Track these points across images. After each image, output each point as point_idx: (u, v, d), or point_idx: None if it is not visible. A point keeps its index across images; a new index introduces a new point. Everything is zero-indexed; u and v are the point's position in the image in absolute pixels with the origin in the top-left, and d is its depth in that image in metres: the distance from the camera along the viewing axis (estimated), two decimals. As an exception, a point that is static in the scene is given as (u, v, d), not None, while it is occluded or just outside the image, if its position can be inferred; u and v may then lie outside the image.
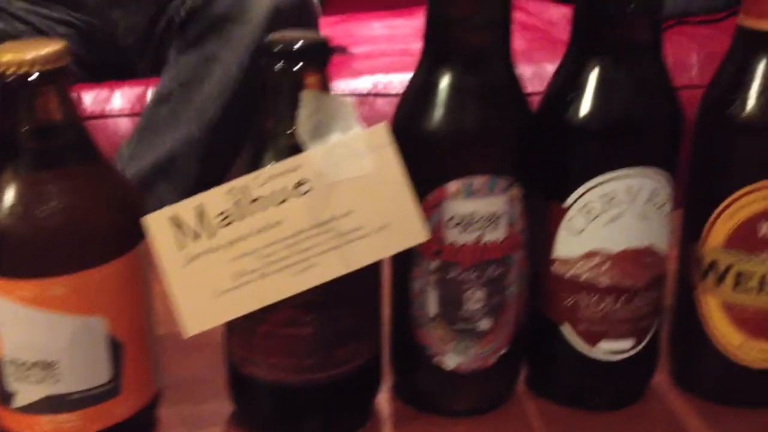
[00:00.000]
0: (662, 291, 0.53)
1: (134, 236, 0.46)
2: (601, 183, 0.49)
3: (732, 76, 0.50)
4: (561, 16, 1.53)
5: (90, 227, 0.45)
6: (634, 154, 0.48)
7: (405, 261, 0.51)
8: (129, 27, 1.23)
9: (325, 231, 0.45)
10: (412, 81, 0.49)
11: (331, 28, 1.45)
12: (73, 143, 0.46)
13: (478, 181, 0.48)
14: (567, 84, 0.50)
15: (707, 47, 1.34)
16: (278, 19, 1.04)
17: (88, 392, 0.47)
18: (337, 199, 0.45)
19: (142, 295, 0.48)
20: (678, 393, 0.56)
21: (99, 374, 0.47)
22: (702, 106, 0.51)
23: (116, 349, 0.47)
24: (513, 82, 0.49)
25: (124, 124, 1.18)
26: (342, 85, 1.19)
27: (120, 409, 0.49)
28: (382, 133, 0.46)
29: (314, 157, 0.45)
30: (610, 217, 0.49)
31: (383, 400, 0.56)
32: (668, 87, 0.50)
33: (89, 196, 0.46)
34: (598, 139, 0.48)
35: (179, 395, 0.57)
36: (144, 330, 0.49)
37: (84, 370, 0.47)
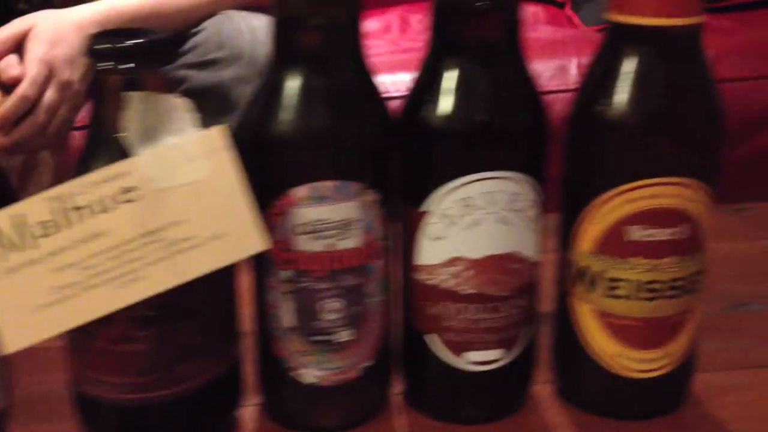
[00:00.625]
0: (533, 298, 0.51)
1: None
2: (457, 187, 0.46)
3: (600, 74, 0.47)
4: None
5: None
6: (491, 158, 0.46)
7: (259, 270, 0.49)
8: None
9: (154, 241, 0.42)
10: (260, 83, 0.47)
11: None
12: None
13: (326, 186, 0.45)
14: (423, 86, 0.47)
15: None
16: None
17: None
18: (167, 206, 0.43)
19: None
20: (561, 405, 0.54)
21: None
22: (572, 105, 0.49)
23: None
24: (365, 84, 0.47)
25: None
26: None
27: (-50, 431, 0.46)
28: (217, 136, 0.43)
29: (142, 162, 0.42)
30: (469, 223, 0.47)
31: (249, 417, 0.53)
32: (530, 89, 0.47)
33: None
34: (452, 142, 0.46)
35: (31, 413, 0.54)
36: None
37: None
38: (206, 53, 1.01)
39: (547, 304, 0.53)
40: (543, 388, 0.55)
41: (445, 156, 0.46)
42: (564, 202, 0.50)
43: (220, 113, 0.96)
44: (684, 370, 0.52)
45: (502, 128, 0.46)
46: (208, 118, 0.45)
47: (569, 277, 0.51)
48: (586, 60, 1.22)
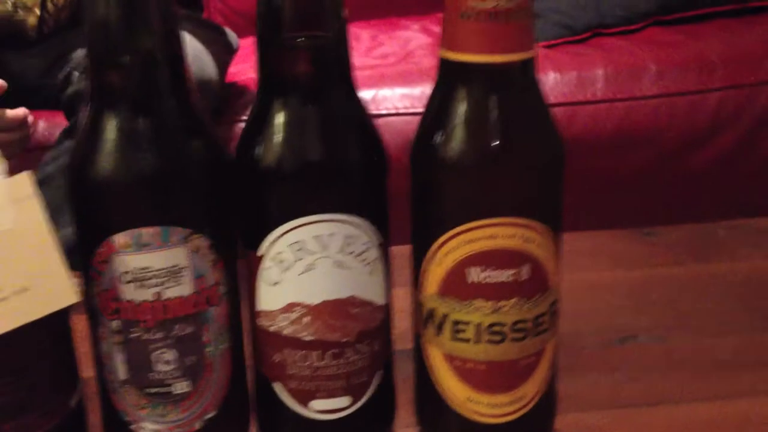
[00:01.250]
0: (383, 342, 0.49)
1: None
2: (287, 231, 0.45)
3: (433, 113, 0.46)
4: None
5: None
6: (320, 200, 0.45)
7: (91, 320, 0.47)
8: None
9: (-41, 293, 0.40)
10: (82, 126, 0.45)
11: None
12: None
13: (148, 232, 0.44)
14: (253, 125, 0.46)
15: (616, 60, 1.34)
16: None
17: None
18: (-29, 257, 0.41)
19: None
20: (422, 450, 0.52)
21: None
22: (414, 138, 0.48)
23: None
24: (198, 125, 0.45)
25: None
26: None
27: None
28: (24, 183, 0.41)
29: (-56, 212, 0.40)
30: (303, 267, 0.45)
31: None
32: (364, 126, 0.46)
33: None
34: (279, 184, 0.45)
35: None
36: None
37: None
38: None
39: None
40: (407, 432, 0.54)
41: (274, 198, 0.45)
42: (412, 241, 0.49)
43: None
44: (540, 414, 0.50)
45: (331, 169, 0.45)
46: None
47: (420, 319, 0.49)
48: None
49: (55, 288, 0.42)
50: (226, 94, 1.30)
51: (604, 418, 0.55)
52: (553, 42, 1.46)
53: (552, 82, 1.31)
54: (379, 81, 1.33)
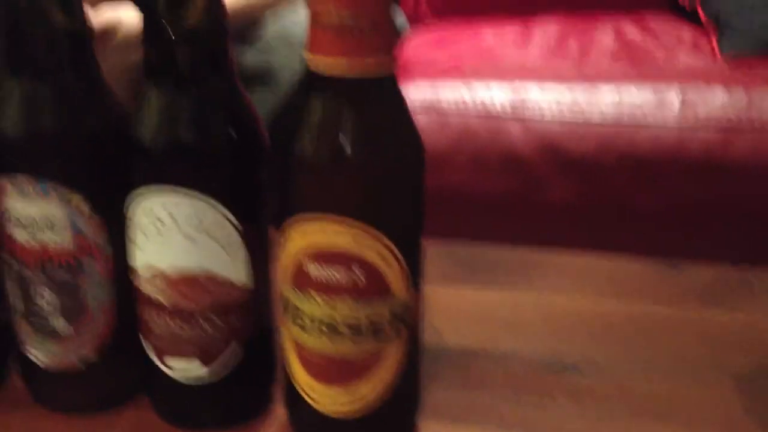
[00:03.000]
0: (240, 320, 0.52)
1: None
2: (143, 196, 0.49)
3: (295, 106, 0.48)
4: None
5: None
6: (173, 172, 0.48)
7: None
8: None
9: None
10: None
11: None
12: None
13: (27, 181, 0.49)
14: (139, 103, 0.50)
15: None
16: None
17: None
18: None
19: None
20: (287, 428, 0.55)
21: None
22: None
23: None
24: (92, 87, 0.50)
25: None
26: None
27: None
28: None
29: None
30: (155, 233, 0.49)
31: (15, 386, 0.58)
32: (239, 113, 0.49)
33: None
34: (138, 150, 0.49)
35: None
36: None
37: None
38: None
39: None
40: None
41: (137, 163, 0.49)
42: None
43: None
44: (385, 417, 0.51)
45: (176, 145, 0.48)
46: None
47: (278, 303, 0.52)
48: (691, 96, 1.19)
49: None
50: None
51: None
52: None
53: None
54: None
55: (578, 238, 1.05)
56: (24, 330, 0.53)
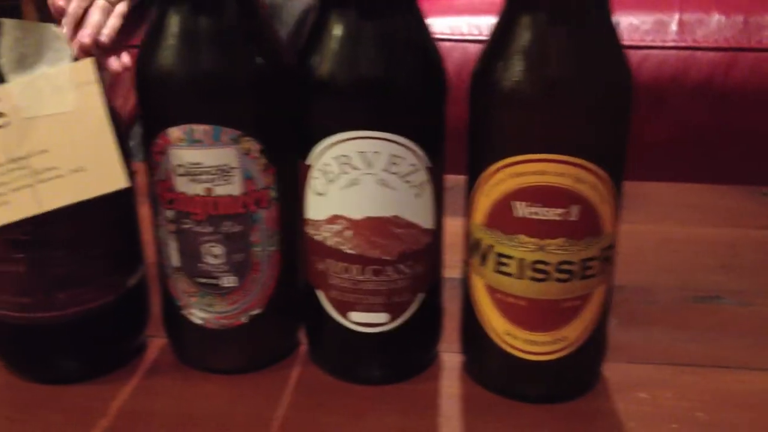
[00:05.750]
0: (428, 266, 0.49)
1: None
2: (334, 143, 0.45)
3: (496, 40, 0.45)
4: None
5: None
6: (369, 117, 0.44)
7: (152, 207, 0.49)
8: None
9: (20, 168, 0.44)
10: (150, 19, 0.46)
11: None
12: None
13: (200, 129, 0.45)
14: (312, 36, 0.46)
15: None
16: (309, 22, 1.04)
17: None
18: (33, 135, 0.43)
19: None
20: (461, 377, 0.52)
21: None
22: (475, 65, 0.46)
23: None
24: (251, 29, 0.46)
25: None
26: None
27: None
28: (87, 69, 0.43)
29: (12, 90, 0.43)
30: (347, 181, 0.46)
31: (155, 348, 0.55)
32: (425, 49, 0.45)
33: None
34: (331, 97, 0.45)
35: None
36: None
37: None
38: None
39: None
40: (451, 357, 0.54)
41: (325, 110, 0.45)
42: (467, 170, 0.48)
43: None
44: (583, 359, 0.49)
45: (383, 86, 0.44)
46: None
47: (468, 248, 0.49)
48: (689, 17, 1.15)
49: (107, 171, 0.44)
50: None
51: (652, 372, 0.52)
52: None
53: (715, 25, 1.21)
54: (448, 9, 1.26)
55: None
56: (186, 290, 0.49)
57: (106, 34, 0.95)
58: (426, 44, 0.45)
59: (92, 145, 0.44)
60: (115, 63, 0.97)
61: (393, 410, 0.49)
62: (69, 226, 0.46)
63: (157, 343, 0.55)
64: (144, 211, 0.51)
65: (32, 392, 0.50)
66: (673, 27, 1.19)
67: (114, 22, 0.97)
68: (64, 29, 0.92)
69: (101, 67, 1.01)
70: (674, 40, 1.18)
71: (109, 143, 0.43)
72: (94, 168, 0.44)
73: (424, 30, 0.45)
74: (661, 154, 1.23)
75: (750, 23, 1.20)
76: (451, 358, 0.54)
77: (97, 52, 0.96)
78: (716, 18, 1.22)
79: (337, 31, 0.44)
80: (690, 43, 1.18)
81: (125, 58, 0.99)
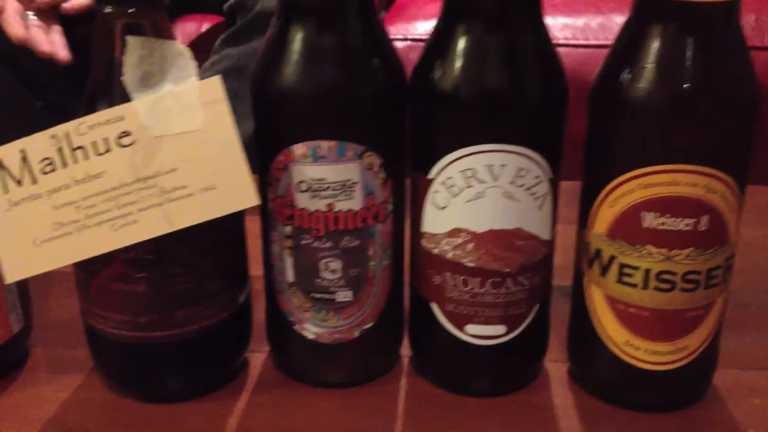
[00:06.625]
0: (543, 277, 0.49)
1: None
2: (460, 157, 0.45)
3: (624, 49, 0.44)
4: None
5: None
6: (497, 130, 0.44)
7: (264, 223, 0.49)
8: None
9: (148, 187, 0.43)
10: (268, 36, 0.46)
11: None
12: None
13: (325, 145, 0.45)
14: (433, 50, 0.45)
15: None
16: None
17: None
18: (162, 154, 0.43)
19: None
20: (570, 386, 0.52)
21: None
22: (597, 76, 0.46)
23: (-45, 288, 0.47)
24: (375, 44, 0.45)
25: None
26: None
27: (-35, 348, 0.48)
28: (215, 86, 0.43)
29: (139, 108, 0.43)
30: (471, 195, 0.45)
31: (257, 363, 0.54)
32: (548, 59, 0.45)
33: None
34: (457, 111, 0.44)
35: (55, 337, 0.56)
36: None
37: None
38: None
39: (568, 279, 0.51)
40: (555, 367, 0.54)
41: (450, 124, 0.45)
42: (584, 180, 0.48)
43: None
44: (701, 367, 0.49)
45: (510, 99, 0.44)
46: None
47: (584, 258, 0.48)
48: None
49: (238, 189, 0.43)
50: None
51: (761, 378, 0.52)
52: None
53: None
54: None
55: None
56: (300, 305, 0.49)
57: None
58: (549, 53, 0.45)
59: (222, 163, 0.43)
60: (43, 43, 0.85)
61: (514, 423, 0.49)
62: (191, 244, 0.45)
63: (257, 358, 0.55)
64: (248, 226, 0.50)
65: (145, 412, 0.49)
66: None
67: None
68: None
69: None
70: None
71: (240, 161, 0.43)
72: (224, 186, 0.43)
73: (546, 39, 0.45)
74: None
75: (762, 21, 1.20)
76: (554, 367, 0.54)
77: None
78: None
79: (461, 45, 0.44)
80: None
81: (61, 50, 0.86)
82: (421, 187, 0.47)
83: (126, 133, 0.43)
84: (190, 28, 1.21)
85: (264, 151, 0.46)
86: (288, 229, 0.47)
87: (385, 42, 0.46)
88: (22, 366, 0.54)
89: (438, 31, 0.45)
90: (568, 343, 0.53)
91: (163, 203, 0.43)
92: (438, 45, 0.45)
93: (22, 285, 0.51)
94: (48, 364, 0.54)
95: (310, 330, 0.50)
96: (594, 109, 0.46)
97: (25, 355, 0.55)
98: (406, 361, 0.55)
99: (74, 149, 0.43)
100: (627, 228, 0.45)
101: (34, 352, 0.55)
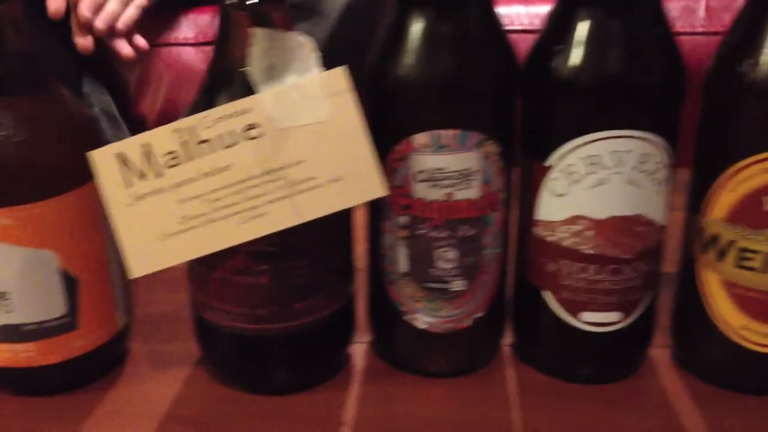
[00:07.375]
0: (657, 263, 0.49)
1: (88, 170, 0.45)
2: (583, 144, 0.44)
3: (743, 30, 0.44)
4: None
5: (37, 159, 0.44)
6: (621, 116, 0.44)
7: (376, 214, 0.49)
8: None
9: (276, 179, 0.43)
10: (385, 25, 0.46)
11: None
12: (21, 71, 0.45)
13: (447, 134, 0.44)
14: (551, 35, 0.45)
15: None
16: (352, 15, 1.03)
17: (43, 324, 0.47)
18: (288, 146, 0.43)
19: (98, 231, 0.47)
20: (677, 371, 0.52)
21: (52, 307, 0.47)
22: (713, 61, 0.46)
23: (70, 283, 0.47)
24: (493, 32, 0.45)
25: (190, 53, 1.18)
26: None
27: (78, 343, 0.48)
28: (340, 77, 0.43)
29: (265, 101, 0.43)
30: (594, 182, 0.45)
31: (359, 354, 0.54)
32: (669, 43, 0.45)
33: (38, 127, 0.45)
34: (581, 97, 0.44)
35: (151, 332, 0.56)
36: (102, 266, 0.48)
37: (36, 302, 0.46)
38: None
39: (671, 265, 0.51)
40: (659, 352, 0.54)
41: (573, 111, 0.45)
42: (697, 164, 0.48)
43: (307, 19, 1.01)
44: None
45: (636, 85, 0.43)
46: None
47: (698, 243, 0.48)
48: (716, 3, 1.13)
49: (366, 180, 0.43)
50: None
51: None
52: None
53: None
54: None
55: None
56: (413, 295, 0.49)
57: (124, 22, 0.96)
58: (668, 36, 0.45)
59: (349, 154, 0.43)
60: (125, 48, 0.97)
61: (631, 408, 0.49)
62: (313, 236, 0.45)
63: (358, 348, 0.55)
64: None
65: (257, 404, 0.49)
66: (701, 13, 1.19)
67: (132, 12, 0.98)
68: (83, 8, 0.93)
69: (116, 56, 1.01)
70: (702, 26, 1.17)
71: (367, 152, 0.43)
72: (352, 177, 0.43)
73: (665, 22, 0.45)
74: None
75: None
76: (657, 353, 0.54)
77: (109, 37, 0.97)
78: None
79: (581, 30, 0.44)
80: (718, 29, 1.17)
81: (140, 41, 0.99)
82: (536, 174, 0.47)
83: (252, 126, 0.43)
84: (203, 20, 1.20)
85: (381, 141, 0.46)
86: (403, 219, 0.47)
87: (502, 29, 0.46)
88: (122, 362, 0.54)
89: (557, 17, 0.45)
90: (673, 329, 0.53)
91: (291, 195, 0.43)
92: (558, 31, 0.45)
93: (124, 280, 0.51)
94: (149, 360, 0.54)
95: (422, 320, 0.49)
96: (710, 95, 0.46)
97: (126, 351, 0.55)
98: (506, 349, 0.54)
99: (199, 142, 0.43)
100: (748, 212, 0.45)
101: (132, 347, 0.55)
